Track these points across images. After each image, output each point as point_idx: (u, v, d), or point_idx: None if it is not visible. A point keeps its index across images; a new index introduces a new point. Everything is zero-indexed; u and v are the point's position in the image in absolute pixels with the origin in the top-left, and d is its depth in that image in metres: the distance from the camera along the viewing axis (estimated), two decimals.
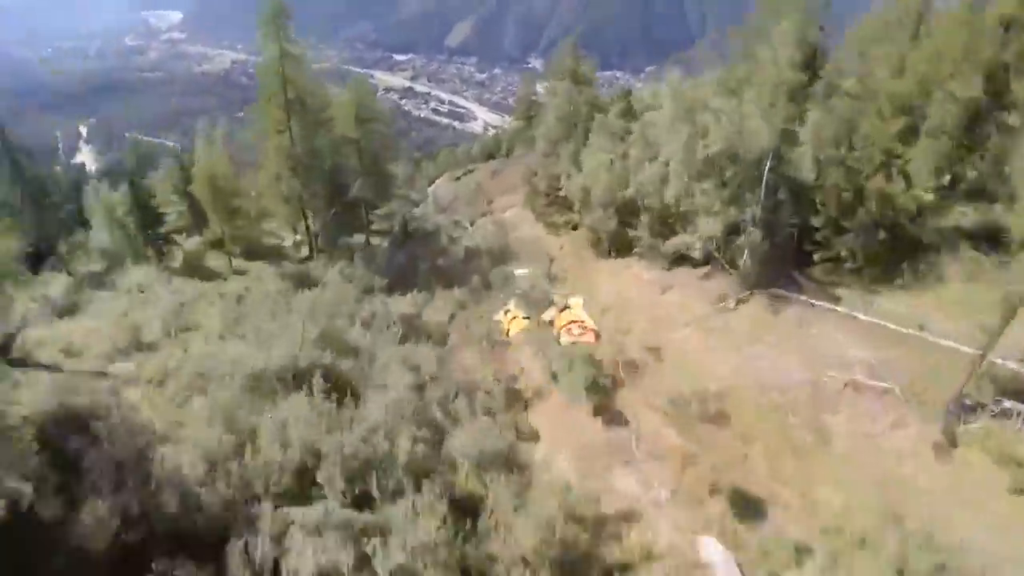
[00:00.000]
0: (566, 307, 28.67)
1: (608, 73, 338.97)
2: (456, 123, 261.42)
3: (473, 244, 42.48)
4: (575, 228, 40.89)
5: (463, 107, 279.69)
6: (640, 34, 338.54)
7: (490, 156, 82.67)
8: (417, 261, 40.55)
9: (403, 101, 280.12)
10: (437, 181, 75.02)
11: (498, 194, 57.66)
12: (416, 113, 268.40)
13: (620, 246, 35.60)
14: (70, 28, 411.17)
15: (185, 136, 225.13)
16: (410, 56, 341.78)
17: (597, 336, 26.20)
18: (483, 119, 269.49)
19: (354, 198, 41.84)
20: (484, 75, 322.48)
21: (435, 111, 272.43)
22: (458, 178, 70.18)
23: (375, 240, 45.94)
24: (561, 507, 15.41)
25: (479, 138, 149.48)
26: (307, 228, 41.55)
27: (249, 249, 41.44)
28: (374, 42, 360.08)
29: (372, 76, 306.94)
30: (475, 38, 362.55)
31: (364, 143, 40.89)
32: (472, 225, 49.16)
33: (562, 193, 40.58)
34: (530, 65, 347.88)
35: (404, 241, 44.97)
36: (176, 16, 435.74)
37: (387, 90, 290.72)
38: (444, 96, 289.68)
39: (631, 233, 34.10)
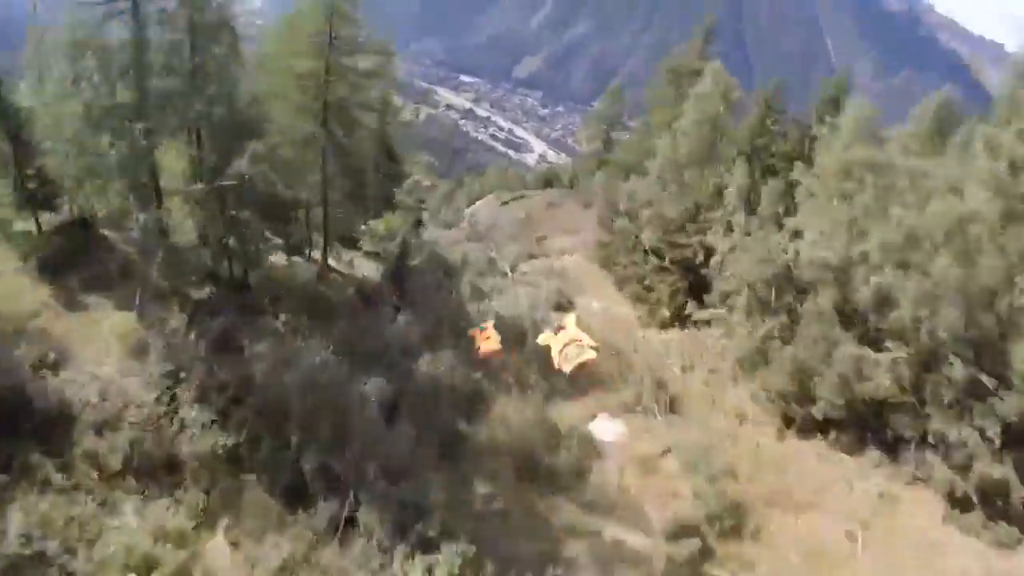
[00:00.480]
0: (560, 327, 24.50)
1: None
2: (512, 152, 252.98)
3: (513, 312, 27.63)
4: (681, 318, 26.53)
5: (521, 137, 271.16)
6: None
7: (547, 184, 69.47)
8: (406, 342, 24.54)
9: (462, 121, 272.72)
10: (478, 203, 62.12)
11: (553, 232, 44.27)
12: (474, 135, 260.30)
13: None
14: None
15: None
16: (475, 80, 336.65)
17: (596, 351, 23.34)
18: (539, 152, 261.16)
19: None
20: (547, 110, 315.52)
21: (493, 136, 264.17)
22: (505, 203, 57.10)
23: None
24: None
25: (533, 169, 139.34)
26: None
27: None
28: (441, 60, 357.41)
29: (436, 92, 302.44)
30: (543, 72, 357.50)
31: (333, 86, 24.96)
32: (513, 271, 34.99)
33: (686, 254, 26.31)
34: (594, 107, 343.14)
35: (394, 282, 28.12)
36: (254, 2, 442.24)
37: (448, 107, 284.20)
38: (503, 124, 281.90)
39: None
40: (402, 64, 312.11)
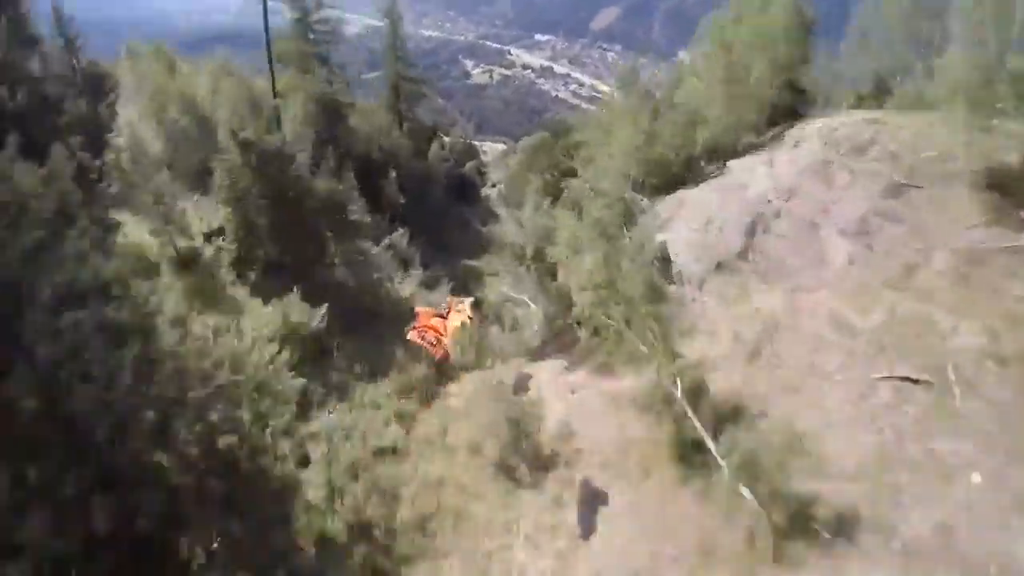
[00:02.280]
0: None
1: None
2: (594, 108, 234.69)
3: None
4: None
5: (605, 93, 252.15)
6: None
7: None
8: None
9: (540, 80, 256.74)
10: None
11: None
12: (553, 93, 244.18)
13: None
14: None
15: None
16: (550, 37, 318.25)
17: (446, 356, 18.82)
18: None
19: None
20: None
21: (575, 94, 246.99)
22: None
23: None
24: None
25: None
26: None
27: None
28: (512, 20, 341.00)
29: (509, 52, 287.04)
30: (621, 24, 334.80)
31: None
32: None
33: None
34: (679, 58, 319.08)
35: None
36: None
37: (524, 67, 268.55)
38: (585, 79, 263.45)
39: None
40: (471, 26, 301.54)
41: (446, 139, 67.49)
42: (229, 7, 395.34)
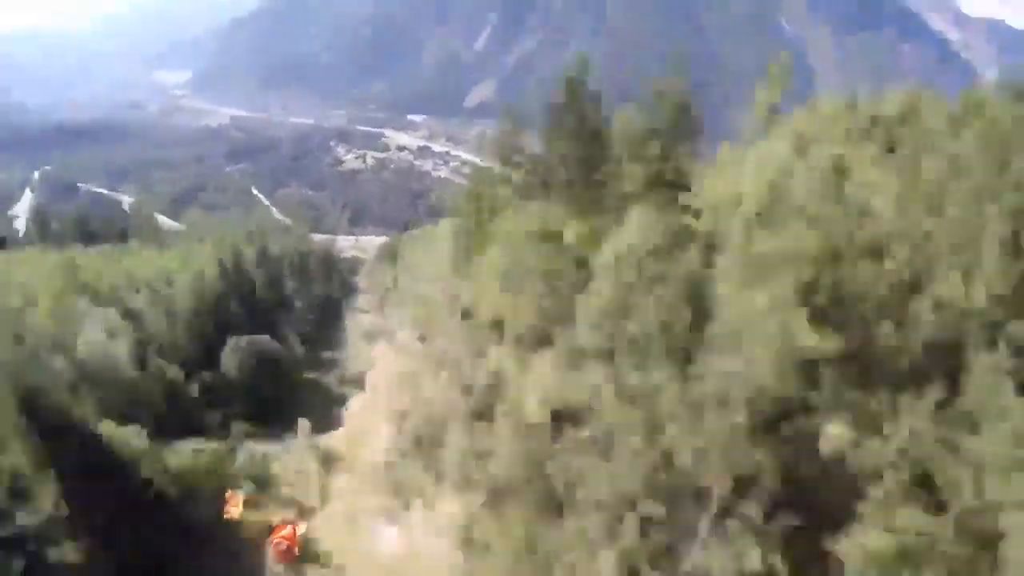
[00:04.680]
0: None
1: None
2: None
3: None
4: None
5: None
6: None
7: None
8: None
9: (417, 162, 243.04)
10: None
11: None
12: (435, 174, 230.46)
13: None
14: (81, 79, 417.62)
15: (144, 190, 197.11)
16: (424, 117, 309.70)
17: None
18: None
19: None
20: None
21: (456, 171, 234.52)
22: None
23: None
24: None
25: None
26: None
27: None
28: (383, 103, 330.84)
29: (383, 136, 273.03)
30: (496, 98, 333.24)
31: None
32: None
33: None
34: None
35: None
36: (184, 75, 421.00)
37: (400, 148, 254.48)
38: (465, 156, 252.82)
39: None
40: (343, 112, 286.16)
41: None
42: (92, 101, 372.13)
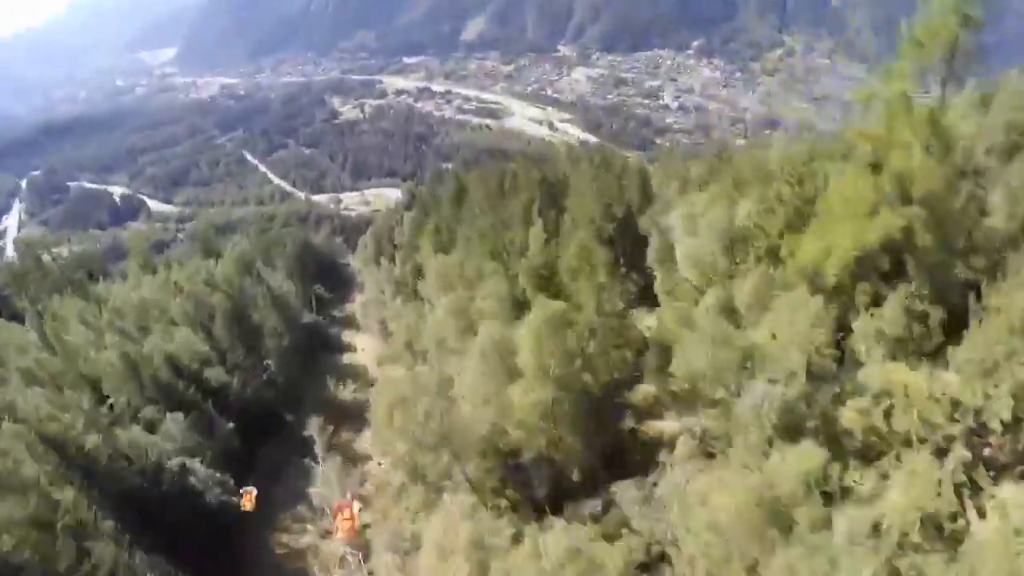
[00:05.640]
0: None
1: (650, 53, 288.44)
2: (489, 120, 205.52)
3: None
4: None
5: (494, 102, 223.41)
6: (678, 9, 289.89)
7: None
8: None
9: (418, 104, 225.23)
10: None
11: None
12: (438, 114, 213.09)
13: None
14: (64, 76, 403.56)
15: (135, 178, 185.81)
16: (420, 58, 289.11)
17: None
18: (521, 114, 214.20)
19: None
20: (510, 67, 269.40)
21: (461, 110, 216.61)
22: None
23: None
24: None
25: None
26: None
27: None
28: (377, 49, 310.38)
29: (379, 82, 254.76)
30: (493, 30, 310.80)
31: None
32: None
33: None
34: (560, 53, 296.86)
35: None
36: (169, 52, 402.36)
37: (399, 93, 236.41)
38: (469, 93, 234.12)
39: None
40: (335, 65, 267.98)
41: None
42: (77, 96, 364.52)
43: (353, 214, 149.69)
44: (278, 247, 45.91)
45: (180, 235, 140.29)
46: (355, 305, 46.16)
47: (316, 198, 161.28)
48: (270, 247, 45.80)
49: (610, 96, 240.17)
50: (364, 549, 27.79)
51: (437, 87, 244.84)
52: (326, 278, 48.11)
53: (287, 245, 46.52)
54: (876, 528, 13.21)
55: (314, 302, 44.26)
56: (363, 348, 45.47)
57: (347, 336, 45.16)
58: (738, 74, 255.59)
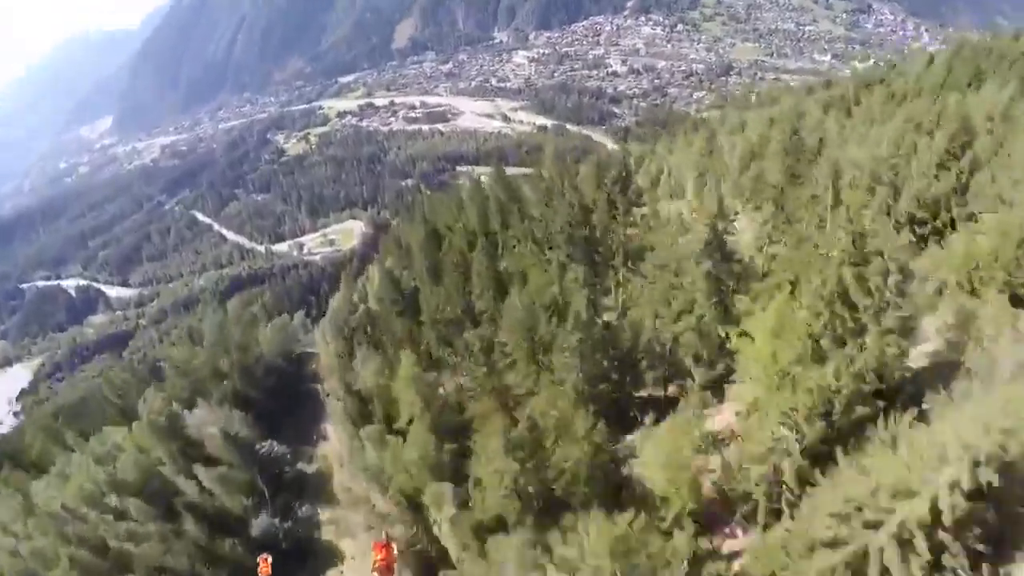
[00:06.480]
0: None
1: (586, 22, 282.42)
2: (440, 125, 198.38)
3: None
4: None
5: (441, 104, 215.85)
6: None
7: None
8: None
9: (363, 123, 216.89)
10: None
11: None
12: (385, 128, 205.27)
13: None
14: (6, 170, 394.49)
15: (88, 265, 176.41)
16: (356, 75, 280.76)
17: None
18: (470, 111, 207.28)
19: None
20: (449, 65, 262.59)
21: (409, 119, 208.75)
22: None
23: None
24: None
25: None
26: None
27: None
28: (311, 74, 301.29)
29: (320, 107, 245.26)
30: (423, 31, 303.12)
31: None
32: None
33: None
34: (496, 40, 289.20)
35: None
36: (107, 122, 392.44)
37: (342, 115, 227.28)
38: (413, 100, 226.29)
39: None
40: (272, 99, 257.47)
41: None
42: (23, 188, 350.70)
43: (318, 258, 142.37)
44: (214, 380, 30.61)
45: (142, 322, 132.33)
46: (328, 446, 29.55)
47: (276, 248, 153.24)
48: (195, 392, 29.67)
49: (556, 74, 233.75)
50: None
51: (379, 101, 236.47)
52: (280, 395, 31.45)
53: (224, 378, 31.06)
54: None
55: (267, 494, 28.46)
56: (352, 556, 29.23)
57: (326, 525, 29.23)
58: (680, 26, 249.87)
